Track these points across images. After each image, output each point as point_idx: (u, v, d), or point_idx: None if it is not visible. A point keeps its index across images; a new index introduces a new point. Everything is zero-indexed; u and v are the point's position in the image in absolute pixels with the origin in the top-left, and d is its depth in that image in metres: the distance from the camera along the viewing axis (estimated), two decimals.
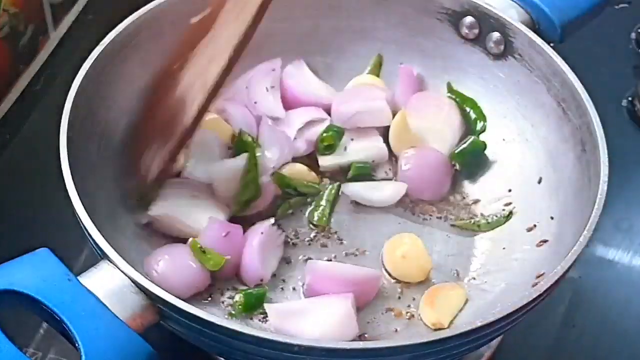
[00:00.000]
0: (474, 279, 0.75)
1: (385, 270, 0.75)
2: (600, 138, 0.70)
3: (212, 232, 0.71)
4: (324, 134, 0.80)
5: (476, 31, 0.81)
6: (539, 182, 0.77)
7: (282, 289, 0.73)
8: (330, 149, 0.80)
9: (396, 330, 0.71)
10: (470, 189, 0.81)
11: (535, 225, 0.75)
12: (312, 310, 0.68)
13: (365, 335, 0.70)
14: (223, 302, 0.72)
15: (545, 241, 0.73)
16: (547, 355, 0.78)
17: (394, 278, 0.74)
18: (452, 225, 0.78)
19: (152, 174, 0.72)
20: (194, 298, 0.70)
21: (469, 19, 0.81)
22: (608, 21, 0.86)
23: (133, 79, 0.77)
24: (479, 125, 0.82)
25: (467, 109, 0.83)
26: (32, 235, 0.79)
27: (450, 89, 0.84)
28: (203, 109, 0.68)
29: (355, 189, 0.79)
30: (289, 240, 0.76)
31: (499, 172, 0.81)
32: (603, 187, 0.67)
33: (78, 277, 0.60)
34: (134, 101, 0.77)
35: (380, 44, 0.85)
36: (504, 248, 0.76)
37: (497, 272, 0.75)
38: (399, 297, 0.73)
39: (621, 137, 0.88)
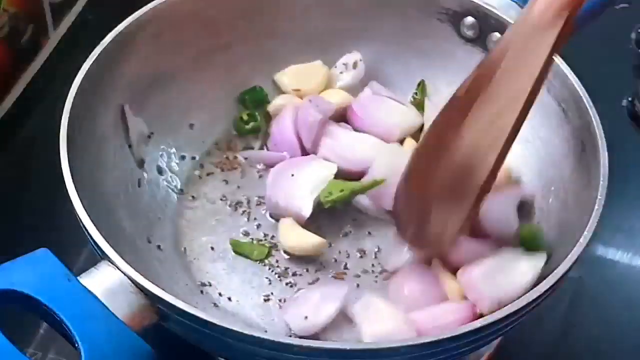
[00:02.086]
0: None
1: None
2: (600, 138, 0.70)
3: None
4: None
5: (477, 31, 0.81)
6: None
7: None
8: None
9: None
10: None
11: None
12: None
13: None
14: None
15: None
16: (547, 355, 0.78)
17: None
18: None
19: (451, 238, 0.71)
20: None
21: (469, 20, 0.81)
22: (608, 21, 0.86)
23: (133, 79, 0.77)
24: None
25: None
26: (32, 235, 0.79)
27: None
28: (498, 165, 0.68)
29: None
30: None
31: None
32: (603, 187, 0.67)
33: (78, 277, 0.60)
34: (135, 99, 0.77)
35: (380, 44, 0.85)
36: None
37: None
38: None
39: (621, 137, 0.88)
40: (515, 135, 0.68)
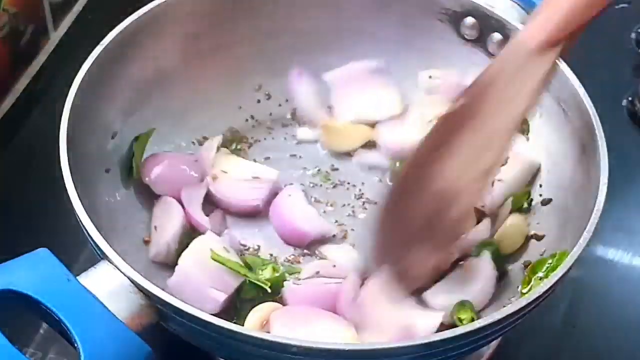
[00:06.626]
0: None
1: None
2: (600, 138, 0.70)
3: None
4: None
5: (477, 32, 0.81)
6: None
7: None
8: None
9: None
10: None
11: (535, 225, 0.75)
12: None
13: None
14: None
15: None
16: (547, 355, 0.78)
17: None
18: None
19: (425, 271, 0.69)
20: None
21: (469, 20, 0.81)
22: (608, 21, 0.86)
23: (133, 78, 0.77)
24: None
25: None
26: (32, 235, 0.79)
27: None
28: (478, 197, 0.67)
29: None
30: None
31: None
32: (603, 187, 0.67)
33: (77, 277, 0.60)
34: (135, 99, 0.77)
35: (380, 44, 0.85)
36: None
37: None
38: None
39: (621, 137, 0.88)
40: (497, 169, 0.65)
